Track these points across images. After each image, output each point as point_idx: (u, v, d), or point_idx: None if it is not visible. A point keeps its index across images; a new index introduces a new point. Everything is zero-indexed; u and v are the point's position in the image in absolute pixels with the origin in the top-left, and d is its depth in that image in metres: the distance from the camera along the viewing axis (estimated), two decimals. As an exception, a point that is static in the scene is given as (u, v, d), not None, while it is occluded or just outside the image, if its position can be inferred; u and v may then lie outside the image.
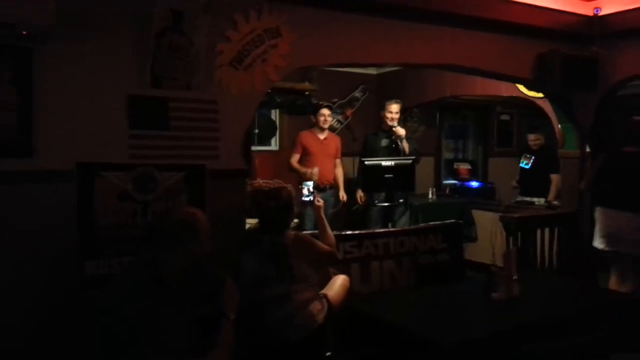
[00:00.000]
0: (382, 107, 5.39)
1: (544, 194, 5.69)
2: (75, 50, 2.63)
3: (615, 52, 4.23)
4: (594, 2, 4.18)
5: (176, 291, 2.07)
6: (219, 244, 2.31)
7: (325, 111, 5.33)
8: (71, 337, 2.58)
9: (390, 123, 5.26)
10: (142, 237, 2.69)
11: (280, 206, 2.71)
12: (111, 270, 2.71)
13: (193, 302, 2.10)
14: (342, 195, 5.44)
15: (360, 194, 5.39)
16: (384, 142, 5.31)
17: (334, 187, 5.44)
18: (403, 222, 5.24)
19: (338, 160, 5.50)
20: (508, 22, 3.85)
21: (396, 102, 5.31)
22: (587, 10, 4.17)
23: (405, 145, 5.19)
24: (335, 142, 5.52)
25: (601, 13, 4.13)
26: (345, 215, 5.67)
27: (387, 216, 5.07)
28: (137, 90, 2.78)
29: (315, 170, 5.06)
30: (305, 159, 5.25)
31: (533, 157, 5.99)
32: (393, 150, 5.22)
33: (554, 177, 5.66)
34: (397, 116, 5.27)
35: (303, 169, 5.13)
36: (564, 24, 4.11)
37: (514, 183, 6.30)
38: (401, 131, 5.18)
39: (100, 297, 2.10)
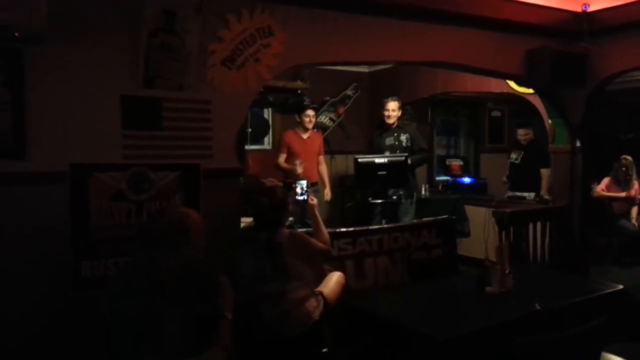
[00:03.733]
0: (382, 106, 5.41)
1: (533, 188, 5.74)
2: (68, 51, 2.63)
3: (603, 47, 4.26)
4: (582, -2, 4.22)
5: (173, 292, 2.07)
6: (214, 243, 2.31)
7: (310, 112, 5.35)
8: (67, 338, 2.58)
9: (388, 121, 5.29)
10: (134, 237, 2.68)
11: (275, 204, 2.73)
12: (107, 271, 2.71)
13: (190, 302, 2.10)
14: (327, 194, 5.38)
15: None
16: (389, 141, 5.33)
17: (319, 184, 5.38)
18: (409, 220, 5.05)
19: (321, 157, 5.47)
20: (498, 19, 3.88)
21: (392, 100, 5.33)
22: (575, 6, 4.20)
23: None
24: (319, 140, 5.52)
25: (590, 9, 4.16)
26: (340, 212, 5.68)
27: (388, 213, 5.02)
28: (129, 90, 2.78)
29: (297, 162, 5.05)
30: (290, 158, 5.26)
31: (522, 152, 6.05)
32: (397, 148, 5.25)
33: (544, 172, 5.71)
34: (394, 113, 5.29)
35: (289, 167, 5.13)
36: (553, 21, 4.14)
37: (504, 179, 6.35)
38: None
39: (99, 299, 2.09)
